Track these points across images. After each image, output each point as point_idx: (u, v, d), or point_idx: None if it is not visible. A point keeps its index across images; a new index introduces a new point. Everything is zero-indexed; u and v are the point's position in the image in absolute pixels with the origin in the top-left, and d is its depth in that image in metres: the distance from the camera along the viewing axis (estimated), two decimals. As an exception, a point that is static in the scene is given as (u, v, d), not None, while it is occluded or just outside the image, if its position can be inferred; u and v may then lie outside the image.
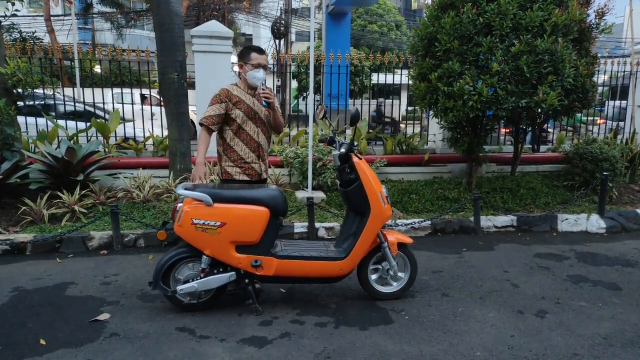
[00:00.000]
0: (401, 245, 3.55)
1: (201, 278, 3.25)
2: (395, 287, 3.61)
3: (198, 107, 6.52)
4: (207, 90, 6.41)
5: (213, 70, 6.43)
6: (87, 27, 30.63)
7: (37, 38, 22.55)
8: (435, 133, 7.62)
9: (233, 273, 3.29)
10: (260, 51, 3.59)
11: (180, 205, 3.24)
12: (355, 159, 3.34)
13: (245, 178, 3.60)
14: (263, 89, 3.52)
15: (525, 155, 7.33)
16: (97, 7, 26.73)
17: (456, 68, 5.18)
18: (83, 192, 5.32)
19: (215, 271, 3.29)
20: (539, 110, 5.41)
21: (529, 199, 6.03)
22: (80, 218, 5.05)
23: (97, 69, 18.53)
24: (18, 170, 5.11)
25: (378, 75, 8.29)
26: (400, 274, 3.59)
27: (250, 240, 3.23)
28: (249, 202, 3.23)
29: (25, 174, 5.31)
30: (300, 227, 5.14)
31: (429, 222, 5.38)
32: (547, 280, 4.05)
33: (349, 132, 7.88)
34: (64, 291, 3.74)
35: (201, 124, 3.51)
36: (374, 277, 3.60)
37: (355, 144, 3.41)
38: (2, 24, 5.39)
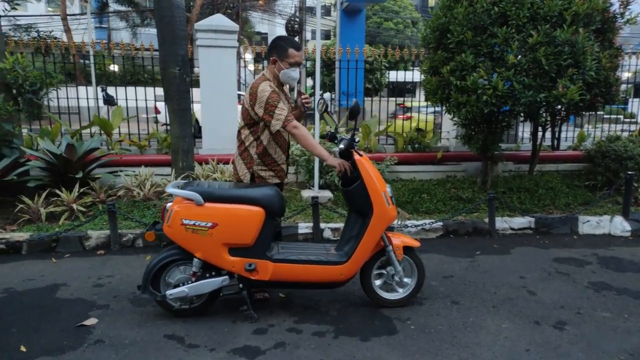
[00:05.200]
0: (407, 249, 3.31)
1: (192, 282, 3.05)
2: (400, 293, 3.37)
3: (202, 104, 6.34)
4: (211, 86, 6.27)
5: (218, 65, 6.25)
6: (102, 25, 30.91)
7: (54, 37, 22.76)
8: (449, 130, 7.32)
9: (226, 277, 3.09)
10: (298, 47, 3.25)
11: (169, 204, 3.05)
12: (356, 156, 3.11)
13: (277, 180, 3.40)
14: (302, 93, 3.34)
15: (544, 153, 6.99)
16: (113, 6, 26.94)
17: (469, 60, 4.90)
18: (82, 190, 5.18)
19: (207, 275, 3.09)
20: (559, 105, 5.10)
21: (547, 199, 5.71)
22: (79, 216, 4.91)
23: (113, 68, 18.65)
24: (16, 167, 5.00)
25: (396, 73, 8.01)
26: (406, 280, 3.35)
27: (244, 242, 3.02)
28: (242, 201, 3.02)
29: (26, 171, 5.20)
30: (304, 227, 4.92)
31: (440, 223, 5.11)
32: (566, 287, 3.76)
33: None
34: (54, 293, 3.58)
35: (286, 125, 3.11)
36: (377, 282, 3.36)
37: (357, 139, 3.17)
38: (1, 17, 5.28)
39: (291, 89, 3.71)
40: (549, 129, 6.65)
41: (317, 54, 5.42)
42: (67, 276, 3.92)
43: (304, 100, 3.35)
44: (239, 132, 3.39)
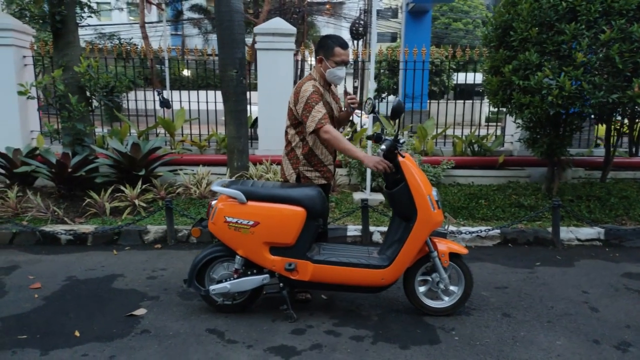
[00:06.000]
0: (455, 256, 3.16)
1: (234, 279, 3.11)
2: (446, 301, 3.23)
3: (259, 105, 6.48)
4: (268, 88, 6.38)
5: (275, 67, 6.36)
6: (177, 32, 32.60)
7: (134, 44, 24.23)
8: (513, 133, 6.95)
9: (266, 276, 3.11)
10: (345, 45, 3.21)
11: (214, 202, 3.13)
12: (399, 158, 3.02)
13: (323, 182, 3.37)
14: (348, 93, 3.33)
15: (620, 159, 6.44)
16: (187, 14, 28.37)
17: (534, 59, 4.62)
18: (144, 187, 5.46)
19: (249, 272, 3.13)
20: (636, 107, 4.67)
21: (620, 209, 5.24)
22: (140, 211, 5.18)
23: (186, 73, 19.61)
24: (86, 164, 5.35)
25: (458, 75, 7.74)
26: (452, 288, 3.20)
27: (284, 241, 3.02)
28: (284, 201, 3.03)
29: (96, 168, 5.56)
30: (353, 230, 4.86)
31: (498, 231, 4.84)
32: (635, 306, 3.42)
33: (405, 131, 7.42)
34: (111, 283, 3.79)
35: (318, 128, 3.03)
36: (422, 289, 3.24)
37: (401, 140, 3.08)
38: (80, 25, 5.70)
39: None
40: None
41: (372, 56, 5.35)
42: (125, 268, 4.13)
43: (349, 100, 3.30)
44: (285, 132, 3.40)
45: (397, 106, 2.90)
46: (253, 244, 3.03)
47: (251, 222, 3.00)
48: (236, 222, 3.02)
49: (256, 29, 6.35)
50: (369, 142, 5.22)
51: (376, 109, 3.34)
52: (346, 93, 3.36)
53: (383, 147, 2.99)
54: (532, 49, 4.67)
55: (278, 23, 6.44)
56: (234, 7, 5.38)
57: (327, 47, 3.21)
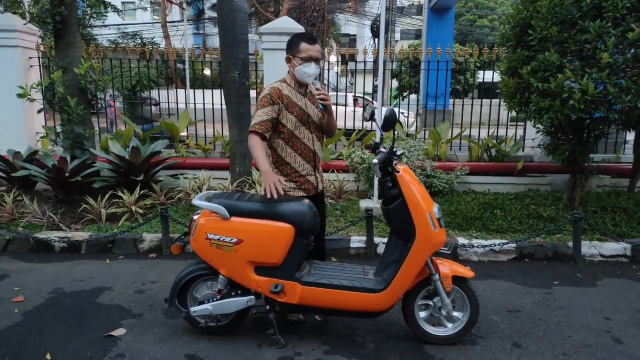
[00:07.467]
0: (459, 279, 2.86)
1: (217, 300, 2.88)
2: (449, 329, 2.92)
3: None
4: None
5: (281, 68, 6.09)
6: (199, 32, 32.73)
7: (155, 43, 24.44)
8: (534, 137, 6.54)
9: (252, 297, 2.87)
10: (312, 41, 3.03)
11: (197, 216, 2.90)
12: (396, 172, 2.72)
13: (302, 194, 3.11)
14: (317, 89, 3.05)
15: (650, 166, 5.96)
16: (208, 13, 28.41)
17: (554, 60, 4.25)
18: (144, 192, 5.29)
19: (233, 293, 2.90)
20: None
21: (650, 222, 4.83)
22: (138, 218, 5.01)
23: (208, 72, 19.56)
24: (84, 169, 5.21)
25: (492, 73, 7.33)
26: (455, 314, 2.90)
27: (271, 261, 2.78)
28: (270, 217, 2.78)
29: (95, 172, 5.42)
30: (357, 241, 4.58)
31: (514, 245, 4.50)
32: (664, 338, 3.06)
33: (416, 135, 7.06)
34: (97, 297, 3.61)
35: (253, 132, 2.92)
36: (422, 314, 2.94)
37: (399, 152, 2.79)
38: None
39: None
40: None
41: (380, 52, 5.06)
42: (115, 279, 3.95)
43: (318, 96, 3.01)
44: None
45: (390, 116, 2.61)
46: (237, 263, 2.80)
47: (234, 240, 2.76)
48: (218, 239, 2.78)
49: (262, 29, 6.13)
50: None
51: (376, 115, 3.05)
52: (316, 89, 3.07)
53: (375, 160, 2.69)
54: (553, 49, 4.30)
55: (285, 22, 6.20)
56: (237, 6, 5.16)
57: (292, 44, 3.03)
